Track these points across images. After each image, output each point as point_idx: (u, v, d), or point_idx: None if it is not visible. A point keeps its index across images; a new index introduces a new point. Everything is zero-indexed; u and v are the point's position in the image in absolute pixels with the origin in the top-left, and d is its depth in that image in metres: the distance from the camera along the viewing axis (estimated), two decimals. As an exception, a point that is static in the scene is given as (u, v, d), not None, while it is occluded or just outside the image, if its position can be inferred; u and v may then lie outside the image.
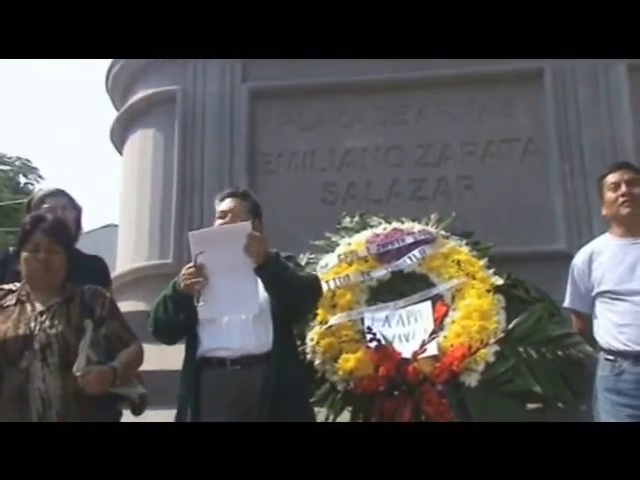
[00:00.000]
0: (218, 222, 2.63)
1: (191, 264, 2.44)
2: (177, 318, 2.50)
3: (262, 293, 2.50)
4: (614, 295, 2.63)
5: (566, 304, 2.90)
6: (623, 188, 2.69)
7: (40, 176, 27.03)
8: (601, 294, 2.68)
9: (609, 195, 2.74)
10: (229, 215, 2.60)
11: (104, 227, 20.12)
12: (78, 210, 3.17)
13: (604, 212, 2.82)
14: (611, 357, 2.59)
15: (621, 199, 2.69)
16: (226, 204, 2.65)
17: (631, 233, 2.69)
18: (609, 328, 2.62)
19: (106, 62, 5.45)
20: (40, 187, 25.39)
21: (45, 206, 3.05)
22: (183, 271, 2.47)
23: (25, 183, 26.69)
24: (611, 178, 2.76)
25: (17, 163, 26.60)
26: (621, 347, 2.55)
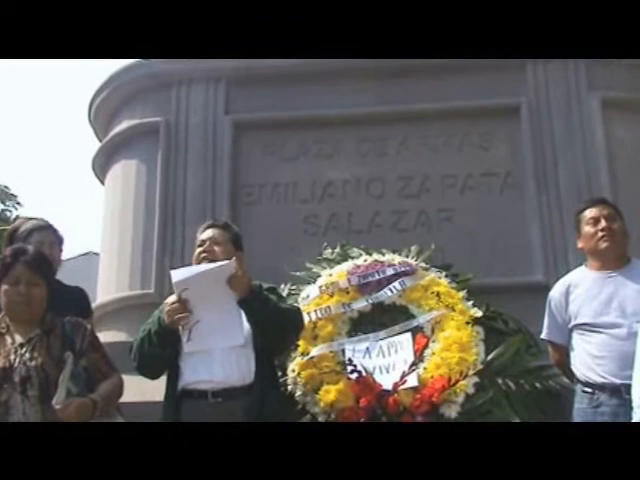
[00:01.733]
0: (197, 250, 2.66)
1: (175, 299, 2.45)
2: (162, 353, 2.50)
3: (244, 325, 2.51)
4: (591, 328, 2.67)
5: (543, 336, 2.94)
6: (603, 223, 2.75)
7: (18, 203, 26.84)
8: (578, 326, 2.73)
9: (587, 229, 2.80)
10: (207, 242, 2.63)
11: (84, 255, 19.97)
12: (61, 243, 3.15)
13: (580, 245, 2.87)
14: (589, 389, 2.63)
15: (600, 234, 2.75)
16: (206, 233, 2.69)
17: (607, 266, 2.75)
18: (586, 360, 2.66)
19: (89, 90, 5.46)
20: (18, 214, 25.24)
21: (32, 240, 3.01)
22: (167, 308, 2.47)
23: (3, 210, 26.46)
24: (589, 213, 2.81)
25: (-5, 190, 26.39)
26: (598, 379, 2.59)
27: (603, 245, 2.75)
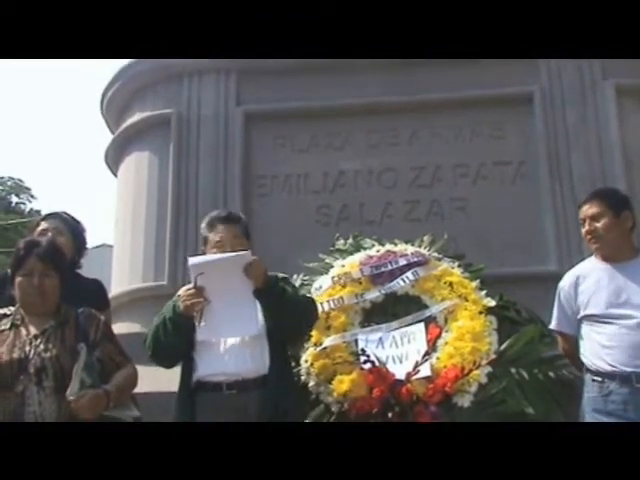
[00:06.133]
0: (214, 252, 2.59)
1: (191, 285, 2.46)
2: (177, 340, 2.50)
3: (259, 316, 2.52)
4: (600, 318, 2.66)
5: (552, 326, 2.93)
6: (586, 226, 2.76)
7: (32, 196, 27.09)
8: (587, 317, 2.72)
9: (582, 229, 2.82)
10: (227, 246, 2.56)
11: (97, 247, 20.07)
12: (75, 233, 3.16)
13: None
14: (598, 378, 2.62)
15: (587, 237, 2.76)
16: (220, 232, 2.61)
17: (614, 258, 2.74)
18: (596, 350, 2.65)
19: (101, 83, 5.50)
20: (32, 207, 25.46)
21: (40, 229, 3.05)
22: (182, 292, 2.48)
23: (17, 203, 26.70)
24: (580, 213, 2.82)
25: (9, 183, 26.65)
26: (608, 368, 2.59)
27: (592, 247, 2.77)
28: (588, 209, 2.77)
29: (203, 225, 2.70)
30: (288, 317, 2.50)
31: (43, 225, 3.07)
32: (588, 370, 2.69)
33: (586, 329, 2.73)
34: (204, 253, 2.67)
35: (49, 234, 2.95)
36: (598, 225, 2.73)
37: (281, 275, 2.70)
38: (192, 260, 2.48)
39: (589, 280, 2.76)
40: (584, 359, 2.72)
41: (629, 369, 2.52)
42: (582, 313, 2.74)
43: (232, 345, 2.50)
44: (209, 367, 2.49)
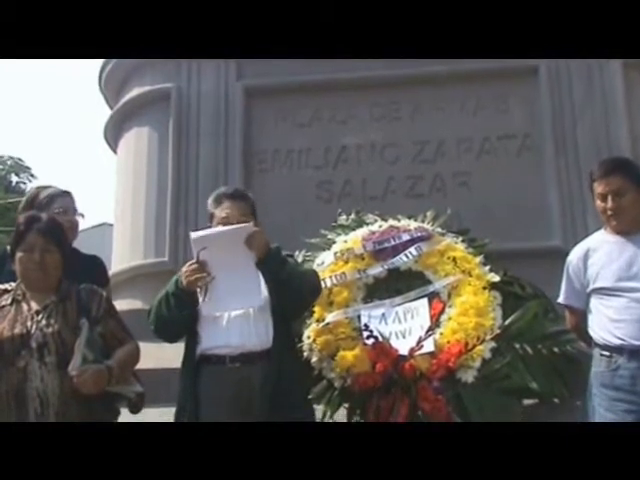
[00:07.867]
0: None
1: (193, 260, 2.44)
2: (179, 315, 2.49)
3: (263, 289, 2.50)
4: (610, 291, 2.63)
5: (561, 300, 2.91)
6: (610, 202, 2.64)
7: (32, 175, 27.03)
8: (597, 290, 2.69)
9: (598, 203, 2.71)
10: (233, 223, 2.52)
11: (97, 226, 20.09)
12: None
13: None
14: (607, 353, 2.60)
15: (609, 212, 2.65)
16: (227, 209, 2.58)
17: (627, 232, 2.70)
18: (605, 323, 2.63)
19: (100, 60, 5.44)
20: (33, 185, 25.38)
21: (56, 206, 2.96)
22: (185, 268, 2.46)
23: (17, 182, 26.67)
24: (598, 187, 2.68)
25: (9, 162, 26.60)
26: (617, 342, 2.56)
27: (612, 223, 2.68)
28: (612, 184, 2.64)
29: (210, 201, 2.67)
30: (290, 288, 2.48)
31: (61, 202, 3.01)
32: (596, 344, 2.67)
33: (595, 303, 2.69)
34: None
35: (70, 214, 2.94)
36: (623, 200, 2.63)
37: (285, 252, 2.68)
38: (194, 234, 2.46)
39: (599, 253, 2.71)
40: (592, 333, 2.70)
41: (638, 343, 2.50)
42: (591, 286, 2.70)
43: (236, 318, 2.49)
44: (213, 340, 2.48)
